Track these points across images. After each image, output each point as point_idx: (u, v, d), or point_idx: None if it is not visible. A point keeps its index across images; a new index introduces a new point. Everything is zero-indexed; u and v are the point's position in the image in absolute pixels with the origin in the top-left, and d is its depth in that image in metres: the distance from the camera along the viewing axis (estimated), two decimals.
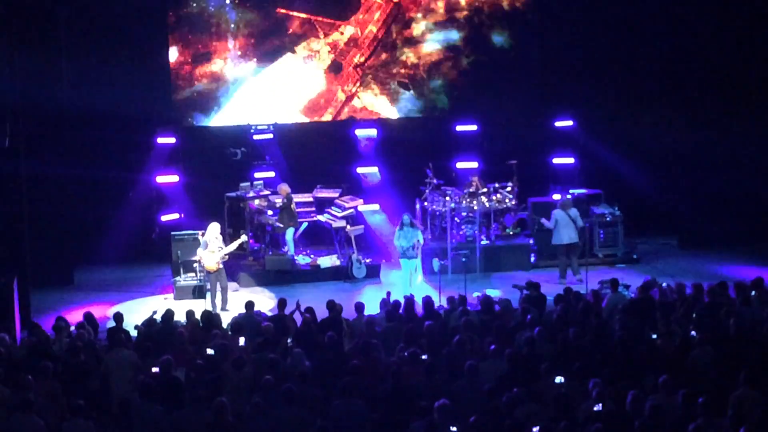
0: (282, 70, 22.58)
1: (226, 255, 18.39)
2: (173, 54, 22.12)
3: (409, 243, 18.79)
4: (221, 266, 18.29)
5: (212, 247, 18.21)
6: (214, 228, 18.47)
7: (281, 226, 20.50)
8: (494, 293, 17.13)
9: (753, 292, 14.92)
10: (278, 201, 20.83)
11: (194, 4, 22.20)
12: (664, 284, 16.00)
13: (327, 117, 22.94)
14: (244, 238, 19.78)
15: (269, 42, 22.52)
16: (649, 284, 15.64)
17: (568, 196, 20.58)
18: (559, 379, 11.49)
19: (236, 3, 22.33)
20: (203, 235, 18.62)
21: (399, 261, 19.09)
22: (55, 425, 11.04)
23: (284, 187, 20.69)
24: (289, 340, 13.75)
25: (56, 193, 20.75)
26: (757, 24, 22.41)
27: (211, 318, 14.86)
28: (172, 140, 21.74)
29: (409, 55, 22.96)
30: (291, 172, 22.03)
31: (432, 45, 22.98)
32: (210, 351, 12.91)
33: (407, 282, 18.77)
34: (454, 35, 22.98)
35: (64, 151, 20.84)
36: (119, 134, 21.17)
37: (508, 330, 13.66)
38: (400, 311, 14.78)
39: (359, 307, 14.89)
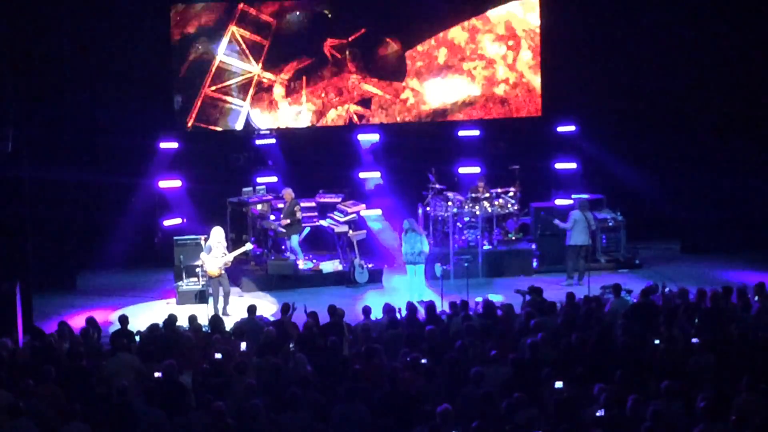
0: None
1: (228, 261, 18.39)
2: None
3: (412, 248, 18.78)
4: (223, 271, 18.28)
5: (216, 251, 18.19)
6: (218, 232, 18.44)
7: (284, 230, 20.49)
8: (497, 298, 17.10)
9: (755, 298, 14.92)
10: (281, 206, 20.82)
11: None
12: (666, 289, 16.00)
13: (329, 122, 23.00)
14: (249, 246, 19.76)
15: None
16: (651, 289, 15.63)
17: (585, 198, 20.59)
18: (558, 384, 11.48)
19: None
20: (206, 239, 18.63)
21: (405, 266, 19.14)
22: (56, 429, 11.05)
23: (289, 192, 20.68)
24: (291, 345, 13.75)
25: (59, 197, 20.77)
26: (760, 24, 22.41)
27: (217, 322, 14.87)
28: (174, 145, 21.74)
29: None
30: (293, 177, 22.02)
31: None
32: (218, 355, 12.92)
33: (410, 287, 18.77)
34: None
35: (67, 156, 20.86)
36: (122, 139, 21.19)
37: (510, 335, 13.66)
38: (402, 317, 14.78)
39: (366, 310, 14.88)
